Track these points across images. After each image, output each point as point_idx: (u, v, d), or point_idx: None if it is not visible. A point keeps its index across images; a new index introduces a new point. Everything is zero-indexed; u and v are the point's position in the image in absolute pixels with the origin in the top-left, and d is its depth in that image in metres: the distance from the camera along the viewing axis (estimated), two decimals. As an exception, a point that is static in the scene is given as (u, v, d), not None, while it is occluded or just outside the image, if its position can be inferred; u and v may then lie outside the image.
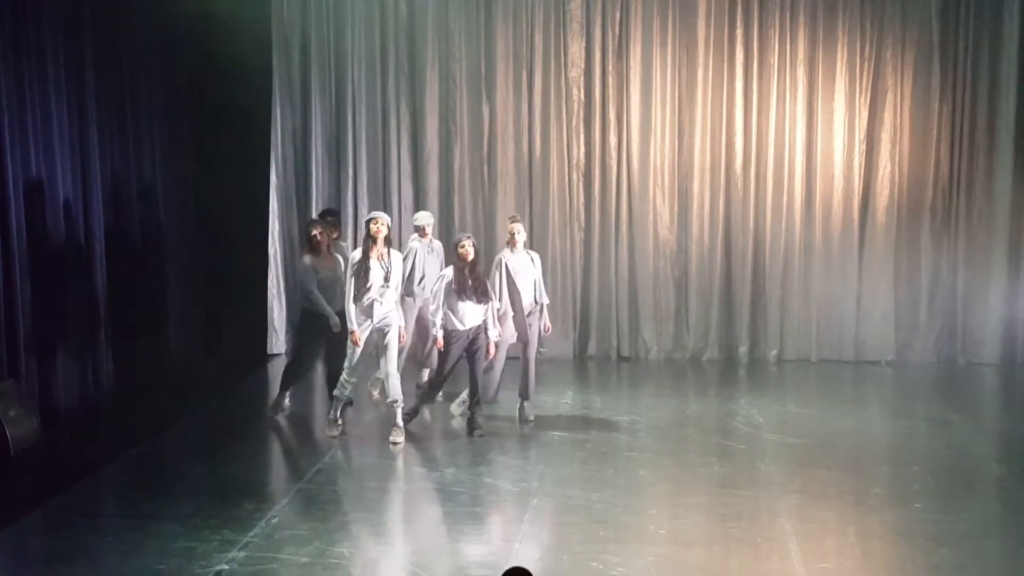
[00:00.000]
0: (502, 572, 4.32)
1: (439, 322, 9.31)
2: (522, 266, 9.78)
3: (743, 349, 12.82)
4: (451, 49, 12.75)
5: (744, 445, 9.44)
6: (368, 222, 9.25)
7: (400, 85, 12.85)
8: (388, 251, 9.18)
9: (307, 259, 9.82)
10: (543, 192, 12.86)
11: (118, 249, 10.90)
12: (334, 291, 9.66)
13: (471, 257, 9.23)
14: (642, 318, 12.89)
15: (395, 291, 9.27)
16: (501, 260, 9.80)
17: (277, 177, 12.92)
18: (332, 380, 9.73)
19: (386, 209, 12.77)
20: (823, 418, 10.35)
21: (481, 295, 9.27)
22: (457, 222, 12.76)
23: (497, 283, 9.65)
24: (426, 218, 10.64)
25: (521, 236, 9.79)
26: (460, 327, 9.29)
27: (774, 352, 12.79)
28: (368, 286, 9.09)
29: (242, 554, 6.86)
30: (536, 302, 9.87)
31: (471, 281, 9.23)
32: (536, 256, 9.99)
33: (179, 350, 12.23)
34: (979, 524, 7.56)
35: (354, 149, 12.90)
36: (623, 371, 12.55)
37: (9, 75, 9.11)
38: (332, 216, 10.78)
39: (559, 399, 10.75)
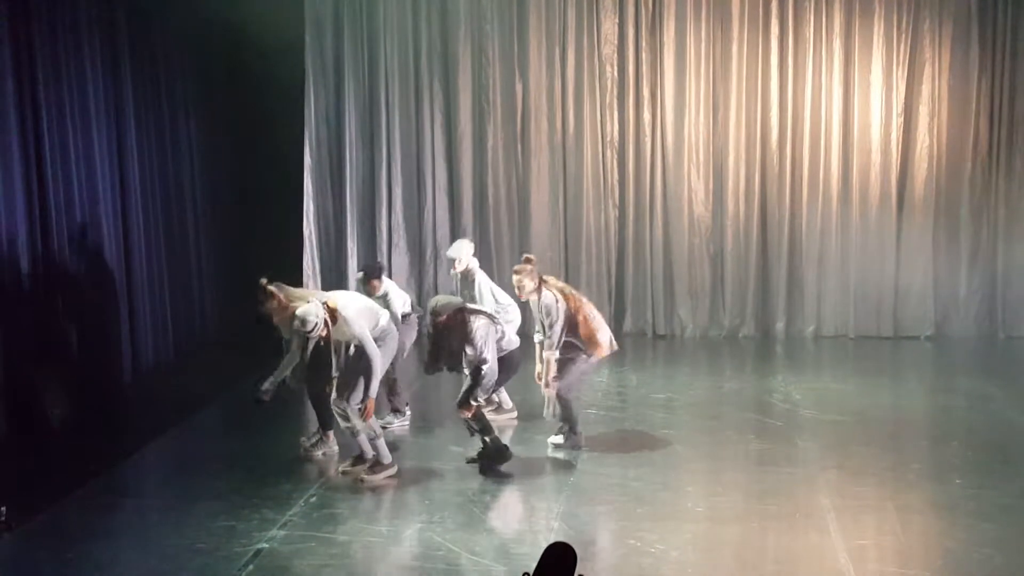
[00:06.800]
0: (544, 548, 4.32)
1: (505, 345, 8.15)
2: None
3: (780, 325, 12.75)
4: (484, 26, 12.71)
5: (781, 422, 9.40)
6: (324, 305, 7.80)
7: (433, 63, 12.82)
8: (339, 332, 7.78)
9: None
10: (577, 169, 12.82)
11: (154, 230, 11.00)
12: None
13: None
14: (678, 295, 12.85)
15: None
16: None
17: (311, 157, 12.92)
18: (314, 401, 8.70)
19: (419, 189, 12.82)
20: (861, 394, 10.29)
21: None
22: (491, 200, 12.77)
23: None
24: (455, 251, 9.30)
25: (525, 285, 8.28)
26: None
27: (811, 328, 12.72)
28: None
29: (281, 532, 6.92)
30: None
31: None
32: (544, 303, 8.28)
33: (216, 330, 12.32)
34: (1020, 498, 7.48)
35: (387, 128, 12.89)
36: (659, 348, 12.53)
37: (45, 52, 9.17)
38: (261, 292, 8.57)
39: (595, 377, 10.71)
